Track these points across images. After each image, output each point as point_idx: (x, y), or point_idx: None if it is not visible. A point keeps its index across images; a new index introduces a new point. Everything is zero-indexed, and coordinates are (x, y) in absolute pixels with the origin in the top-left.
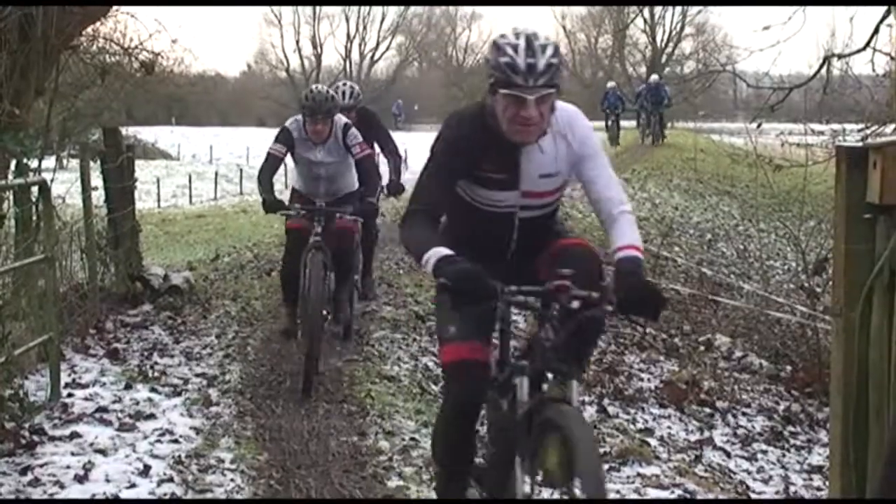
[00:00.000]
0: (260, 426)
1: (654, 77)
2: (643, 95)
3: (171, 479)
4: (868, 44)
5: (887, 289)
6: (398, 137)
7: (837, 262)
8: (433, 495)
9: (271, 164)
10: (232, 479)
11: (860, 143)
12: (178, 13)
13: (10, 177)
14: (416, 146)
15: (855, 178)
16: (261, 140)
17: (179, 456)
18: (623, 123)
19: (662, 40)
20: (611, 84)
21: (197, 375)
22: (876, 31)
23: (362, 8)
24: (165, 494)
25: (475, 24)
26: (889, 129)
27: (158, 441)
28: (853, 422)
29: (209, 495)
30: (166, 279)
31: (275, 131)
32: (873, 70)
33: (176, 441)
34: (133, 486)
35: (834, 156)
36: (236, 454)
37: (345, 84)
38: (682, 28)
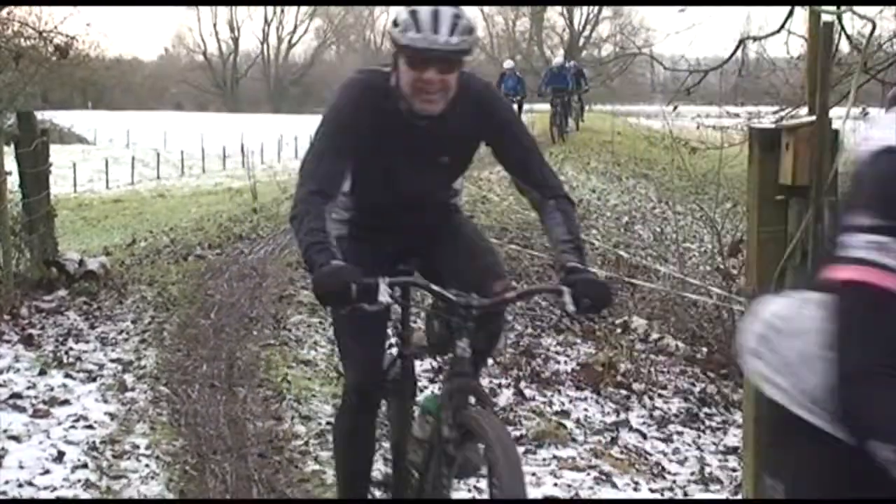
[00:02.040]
0: (175, 411)
1: (557, 60)
2: (543, 81)
3: (85, 466)
4: (783, 26)
5: (800, 270)
6: None
7: (751, 244)
8: None
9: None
10: (147, 465)
11: (773, 125)
12: None
13: None
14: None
15: (768, 160)
16: (178, 124)
17: (94, 442)
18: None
19: (580, 23)
20: (508, 64)
21: (112, 361)
22: (790, 13)
23: None
24: (80, 481)
25: (393, 8)
26: (803, 111)
27: (73, 427)
28: (766, 402)
29: (123, 481)
30: (82, 264)
31: (193, 115)
32: (788, 53)
33: (90, 427)
34: (47, 472)
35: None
36: (151, 440)
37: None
38: (600, 11)
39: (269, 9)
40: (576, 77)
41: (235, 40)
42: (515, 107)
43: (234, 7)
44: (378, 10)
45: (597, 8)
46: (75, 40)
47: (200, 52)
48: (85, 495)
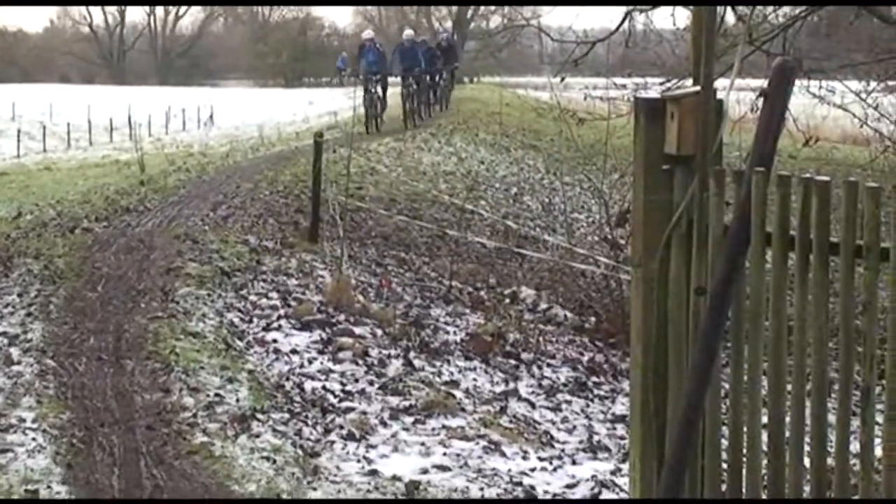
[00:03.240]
0: (62, 385)
1: (408, 33)
2: (393, 58)
3: None
4: None
5: (685, 239)
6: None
7: (637, 214)
8: (238, 451)
9: None
10: (33, 438)
11: (658, 96)
12: None
13: None
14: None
15: (653, 130)
16: (64, 96)
17: None
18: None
19: None
20: (367, 34)
21: None
22: None
23: None
24: None
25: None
26: (688, 82)
27: None
28: (653, 371)
29: (10, 455)
30: None
31: (79, 88)
32: (674, 24)
33: None
34: None
35: None
36: (38, 413)
37: None
38: None
39: None
40: (431, 54)
41: (122, 12)
42: (380, 87)
43: None
44: None
45: None
46: None
47: (86, 24)
48: None
